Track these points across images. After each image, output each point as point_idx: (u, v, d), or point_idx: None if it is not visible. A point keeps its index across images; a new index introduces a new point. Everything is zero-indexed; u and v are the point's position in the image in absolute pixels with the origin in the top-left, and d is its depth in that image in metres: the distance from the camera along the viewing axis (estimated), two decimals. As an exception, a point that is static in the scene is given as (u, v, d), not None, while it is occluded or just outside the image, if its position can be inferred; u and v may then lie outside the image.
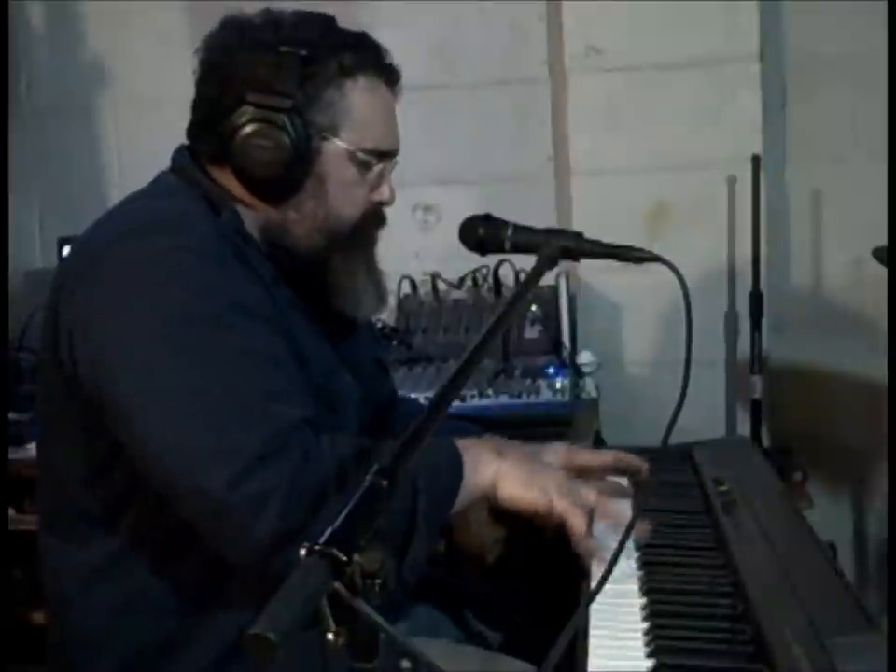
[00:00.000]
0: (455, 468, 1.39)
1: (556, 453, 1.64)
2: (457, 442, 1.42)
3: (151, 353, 1.28)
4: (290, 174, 1.43)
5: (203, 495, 1.23)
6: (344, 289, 1.51)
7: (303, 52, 1.41)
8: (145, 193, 1.49)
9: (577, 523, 1.39)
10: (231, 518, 1.23)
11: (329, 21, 1.48)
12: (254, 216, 1.47)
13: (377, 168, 1.48)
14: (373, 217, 1.51)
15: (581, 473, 1.59)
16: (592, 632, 1.20)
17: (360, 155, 1.46)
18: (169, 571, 1.39)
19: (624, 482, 1.66)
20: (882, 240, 1.98)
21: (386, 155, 1.50)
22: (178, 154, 1.51)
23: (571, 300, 2.57)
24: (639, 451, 1.72)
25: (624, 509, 1.50)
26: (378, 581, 0.83)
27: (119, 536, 1.40)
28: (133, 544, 1.39)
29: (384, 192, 1.51)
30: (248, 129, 1.40)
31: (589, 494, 1.46)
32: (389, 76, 1.50)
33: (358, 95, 1.45)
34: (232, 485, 1.21)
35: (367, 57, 1.47)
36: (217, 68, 1.44)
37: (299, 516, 1.21)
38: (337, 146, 1.45)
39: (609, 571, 1.08)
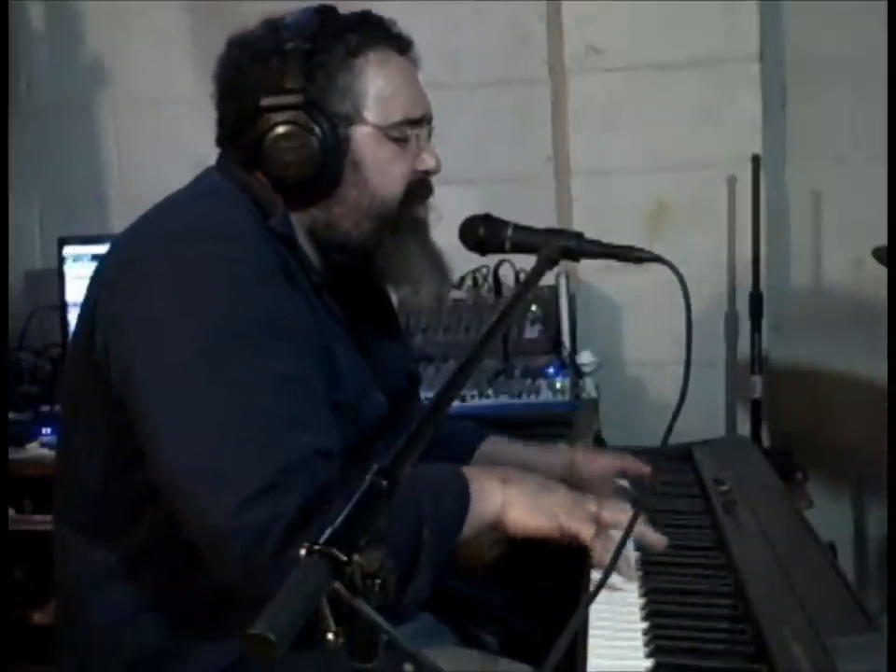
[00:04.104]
0: (461, 498, 1.36)
1: (560, 453, 1.63)
2: (464, 472, 1.40)
3: (180, 367, 1.27)
4: (325, 169, 1.40)
5: (205, 519, 1.21)
6: (400, 274, 1.47)
7: (306, 45, 1.39)
8: (191, 193, 1.46)
9: (588, 537, 1.38)
10: (230, 545, 1.21)
11: (327, 9, 1.45)
12: (298, 219, 1.43)
13: (413, 137, 1.45)
14: (419, 188, 1.48)
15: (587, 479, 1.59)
16: (592, 632, 1.20)
17: (392, 130, 1.43)
18: (183, 577, 1.37)
19: (625, 483, 1.66)
20: (882, 240, 1.97)
21: (419, 122, 1.46)
22: (221, 156, 1.48)
23: (571, 300, 2.57)
24: (639, 451, 1.72)
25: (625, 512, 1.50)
26: (378, 581, 0.83)
27: (136, 538, 1.38)
28: (149, 547, 1.38)
29: (427, 160, 1.47)
30: (271, 135, 1.38)
31: (593, 504, 1.45)
32: (399, 43, 1.46)
33: (372, 71, 1.42)
34: (235, 514, 1.19)
35: (372, 32, 1.44)
36: (230, 85, 1.43)
37: (299, 548, 1.20)
38: (365, 128, 1.42)
39: (609, 571, 1.08)
